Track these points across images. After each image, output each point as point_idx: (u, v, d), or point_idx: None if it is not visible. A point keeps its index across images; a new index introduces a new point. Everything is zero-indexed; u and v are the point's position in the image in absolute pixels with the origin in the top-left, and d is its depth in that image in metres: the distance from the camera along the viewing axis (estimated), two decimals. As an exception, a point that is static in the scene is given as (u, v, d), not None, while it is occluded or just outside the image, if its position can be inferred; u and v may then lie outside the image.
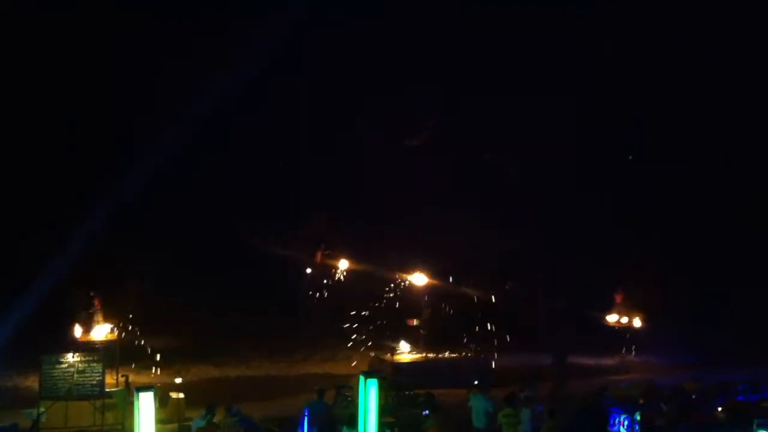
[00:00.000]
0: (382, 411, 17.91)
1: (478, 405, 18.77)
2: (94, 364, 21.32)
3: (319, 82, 35.53)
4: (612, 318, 31.80)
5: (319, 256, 33.36)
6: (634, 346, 31.55)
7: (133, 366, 25.83)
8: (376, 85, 35.27)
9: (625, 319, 31.73)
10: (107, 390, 21.52)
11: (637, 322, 31.67)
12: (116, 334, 25.53)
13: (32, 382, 23.36)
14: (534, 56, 35.09)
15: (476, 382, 21.23)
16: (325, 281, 33.01)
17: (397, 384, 23.96)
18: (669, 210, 36.60)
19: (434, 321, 29.84)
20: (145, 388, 16.41)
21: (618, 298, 32.36)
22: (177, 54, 32.24)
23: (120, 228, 30.81)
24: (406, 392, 23.39)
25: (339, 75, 35.27)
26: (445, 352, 28.22)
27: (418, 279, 30.33)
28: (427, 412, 19.81)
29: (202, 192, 32.96)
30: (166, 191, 32.14)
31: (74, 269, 27.53)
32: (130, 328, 27.52)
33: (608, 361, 30.90)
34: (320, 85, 35.41)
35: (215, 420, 18.89)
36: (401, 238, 32.86)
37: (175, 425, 20.40)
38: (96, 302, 25.61)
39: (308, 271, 33.23)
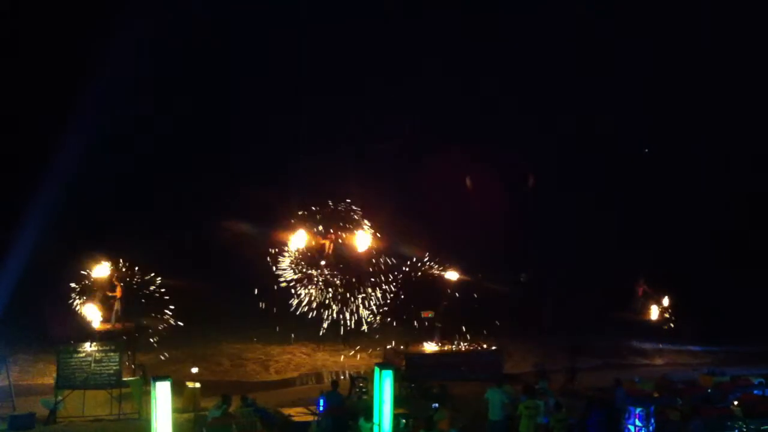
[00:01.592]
0: (397, 402, 18.01)
1: (494, 398, 18.85)
2: (111, 354, 21.49)
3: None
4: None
5: (329, 245, 33.01)
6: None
7: (149, 355, 26.00)
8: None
9: None
10: (124, 379, 21.68)
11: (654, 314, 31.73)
12: (132, 323, 25.66)
13: (49, 372, 23.56)
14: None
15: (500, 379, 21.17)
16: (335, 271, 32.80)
17: (410, 376, 24.06)
18: (684, 205, 36.67)
19: (450, 313, 29.77)
20: (162, 377, 16.53)
21: (640, 292, 32.34)
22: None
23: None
24: (420, 384, 23.48)
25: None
26: (459, 344, 28.21)
27: (451, 275, 30.09)
28: (436, 405, 19.80)
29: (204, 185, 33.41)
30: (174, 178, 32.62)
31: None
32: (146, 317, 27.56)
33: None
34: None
35: (230, 410, 19.04)
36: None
37: (191, 414, 20.49)
38: (118, 290, 25.67)
39: (322, 263, 33.03)
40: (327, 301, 29.89)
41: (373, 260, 30.71)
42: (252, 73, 35.89)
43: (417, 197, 34.84)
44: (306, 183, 34.24)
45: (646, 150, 38.90)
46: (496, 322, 30.08)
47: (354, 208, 31.45)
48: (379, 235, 30.87)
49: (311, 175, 34.44)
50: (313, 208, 31.38)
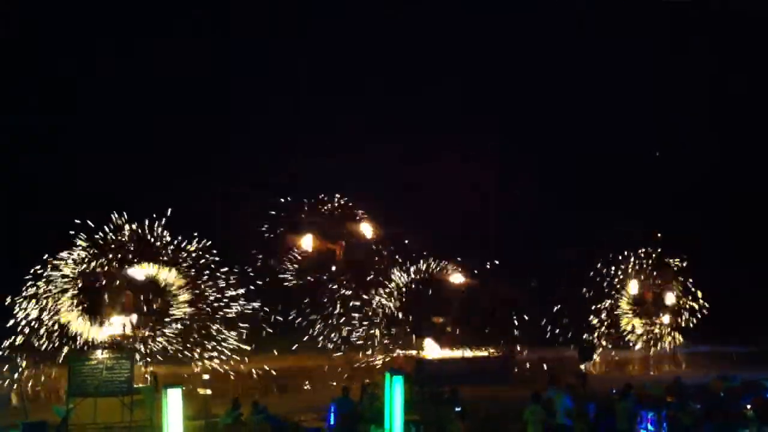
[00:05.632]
0: (408, 408, 17.97)
1: (559, 403, 18.87)
2: (122, 361, 21.48)
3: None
4: None
5: (338, 252, 33.07)
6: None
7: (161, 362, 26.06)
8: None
9: None
10: (135, 386, 21.72)
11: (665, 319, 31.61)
12: (144, 330, 25.73)
13: (61, 379, 23.65)
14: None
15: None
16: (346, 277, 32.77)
17: (420, 381, 24.03)
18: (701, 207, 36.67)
19: (461, 319, 29.73)
20: (173, 384, 16.55)
21: (647, 296, 32.28)
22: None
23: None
24: (431, 389, 23.45)
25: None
26: (470, 349, 28.18)
27: (455, 278, 30.09)
28: (459, 408, 19.70)
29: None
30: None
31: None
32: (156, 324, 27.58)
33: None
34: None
35: (242, 417, 19.07)
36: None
37: (202, 421, 20.52)
38: (127, 299, 25.71)
39: (333, 268, 33.08)
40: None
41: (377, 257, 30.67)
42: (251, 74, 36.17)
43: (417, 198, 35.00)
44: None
45: (657, 153, 38.83)
46: (507, 327, 30.03)
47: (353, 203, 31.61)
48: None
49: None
50: (322, 209, 31.44)
